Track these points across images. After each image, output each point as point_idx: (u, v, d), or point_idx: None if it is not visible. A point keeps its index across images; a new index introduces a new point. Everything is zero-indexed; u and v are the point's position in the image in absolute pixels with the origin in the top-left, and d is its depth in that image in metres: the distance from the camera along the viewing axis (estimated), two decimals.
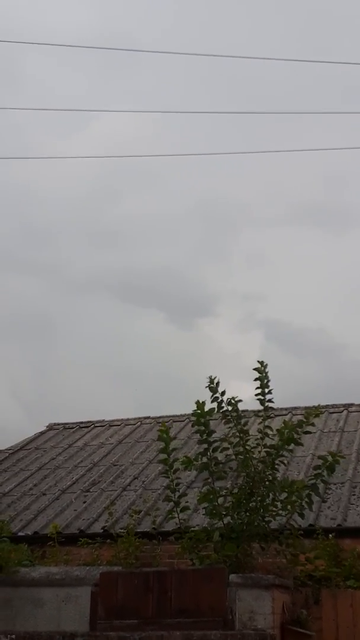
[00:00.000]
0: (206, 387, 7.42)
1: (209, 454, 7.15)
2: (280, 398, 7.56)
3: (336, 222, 30.75)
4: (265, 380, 7.48)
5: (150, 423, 14.29)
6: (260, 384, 7.47)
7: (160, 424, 14.06)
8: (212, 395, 7.41)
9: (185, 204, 31.91)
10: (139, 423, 14.42)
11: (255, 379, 7.49)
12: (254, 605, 6.19)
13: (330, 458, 7.32)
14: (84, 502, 10.81)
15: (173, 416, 14.08)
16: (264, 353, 28.50)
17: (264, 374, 7.49)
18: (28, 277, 30.48)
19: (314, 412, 7.63)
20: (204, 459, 7.15)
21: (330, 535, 8.37)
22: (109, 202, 31.05)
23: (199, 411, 7.16)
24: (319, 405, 7.81)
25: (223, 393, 7.43)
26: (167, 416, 14.12)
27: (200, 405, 7.17)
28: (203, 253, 32.12)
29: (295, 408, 13.47)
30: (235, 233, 31.93)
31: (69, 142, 28.44)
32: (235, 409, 7.38)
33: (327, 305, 30.94)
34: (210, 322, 31.66)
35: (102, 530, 9.62)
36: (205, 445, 7.17)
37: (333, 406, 13.30)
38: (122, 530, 9.00)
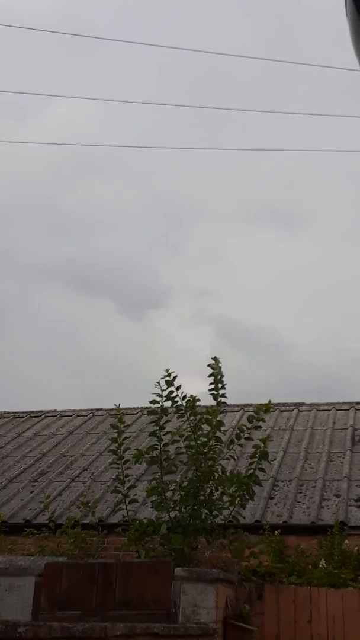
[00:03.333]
0: (161, 379, 7.42)
1: (160, 447, 7.17)
2: (231, 395, 7.61)
3: (290, 223, 31.07)
4: (219, 376, 7.51)
5: (103, 415, 14.23)
6: (214, 380, 7.50)
7: (112, 416, 14.09)
8: (167, 389, 7.41)
9: (142, 196, 31.86)
10: (91, 414, 14.34)
11: (210, 375, 7.52)
12: (197, 599, 6.23)
13: (262, 445, 7.39)
14: (31, 492, 10.71)
15: (126, 409, 14.01)
16: (215, 349, 28.67)
17: (218, 370, 7.52)
18: None
19: (264, 407, 7.68)
20: (155, 452, 7.16)
21: (277, 532, 8.44)
22: (63, 189, 30.79)
23: (156, 406, 7.22)
24: (269, 401, 7.83)
25: (179, 387, 7.44)
26: (119, 409, 14.01)
27: (158, 401, 7.25)
28: (157, 246, 32.14)
29: (247, 405, 13.58)
30: (191, 228, 32.02)
31: (24, 125, 28.09)
32: (192, 406, 7.39)
33: (278, 304, 31.30)
34: (162, 315, 31.72)
35: (48, 521, 9.54)
36: (156, 439, 7.18)
37: (284, 404, 13.43)
38: (68, 522, 8.93)
